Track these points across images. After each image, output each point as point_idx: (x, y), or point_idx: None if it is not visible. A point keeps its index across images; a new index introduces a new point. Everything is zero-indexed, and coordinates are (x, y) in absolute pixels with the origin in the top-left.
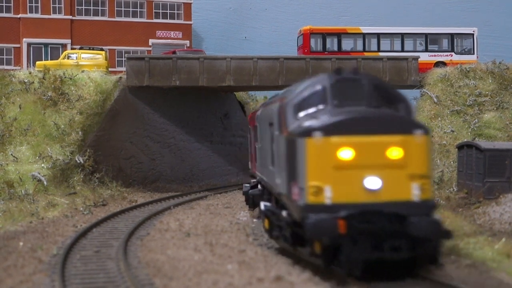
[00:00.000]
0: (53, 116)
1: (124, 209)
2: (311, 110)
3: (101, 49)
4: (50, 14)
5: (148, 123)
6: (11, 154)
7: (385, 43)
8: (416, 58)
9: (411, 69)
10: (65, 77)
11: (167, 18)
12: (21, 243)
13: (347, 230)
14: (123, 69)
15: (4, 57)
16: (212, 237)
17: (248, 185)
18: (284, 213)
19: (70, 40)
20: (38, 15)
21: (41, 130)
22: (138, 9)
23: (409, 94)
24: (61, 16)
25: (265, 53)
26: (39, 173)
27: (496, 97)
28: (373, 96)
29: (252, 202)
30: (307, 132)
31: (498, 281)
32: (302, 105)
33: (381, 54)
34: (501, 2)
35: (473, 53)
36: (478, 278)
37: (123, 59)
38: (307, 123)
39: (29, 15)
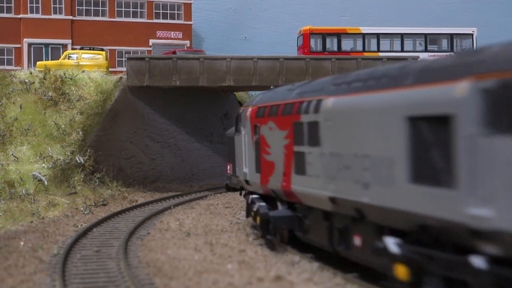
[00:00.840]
0: (54, 116)
1: (125, 209)
2: None
3: (102, 49)
4: (51, 15)
5: (148, 123)
6: (12, 154)
7: (384, 43)
8: (416, 58)
9: None
10: (65, 77)
11: (167, 18)
12: (21, 243)
13: None
14: (124, 69)
15: (5, 57)
16: (212, 237)
17: (261, 203)
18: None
19: (70, 40)
20: (39, 16)
21: (42, 130)
22: (139, 10)
23: None
24: (62, 16)
25: (265, 53)
26: (40, 173)
27: None
28: None
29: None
30: None
31: None
32: None
33: (380, 54)
34: (501, 2)
35: None
36: None
37: (124, 59)
38: None
39: (29, 15)
